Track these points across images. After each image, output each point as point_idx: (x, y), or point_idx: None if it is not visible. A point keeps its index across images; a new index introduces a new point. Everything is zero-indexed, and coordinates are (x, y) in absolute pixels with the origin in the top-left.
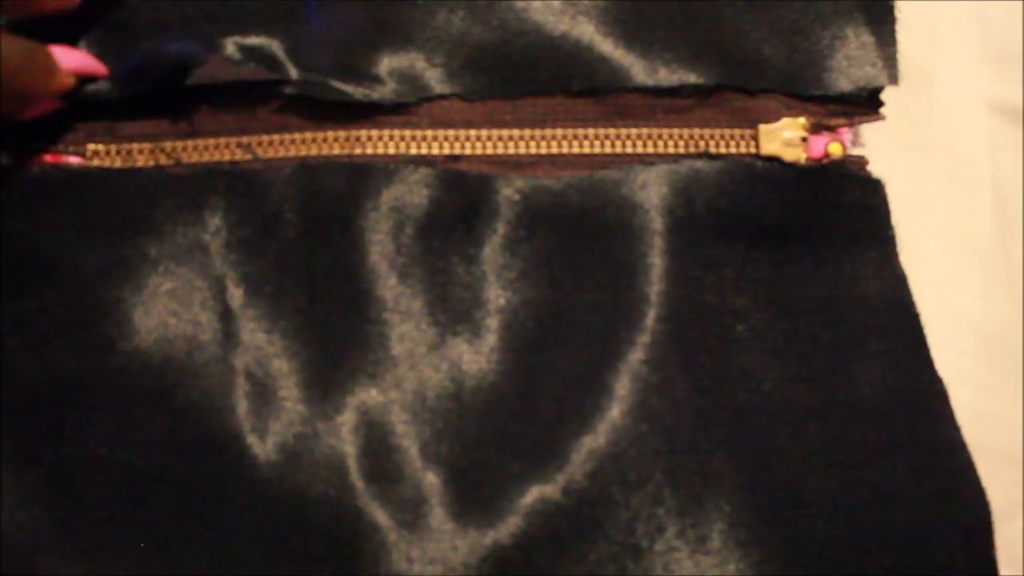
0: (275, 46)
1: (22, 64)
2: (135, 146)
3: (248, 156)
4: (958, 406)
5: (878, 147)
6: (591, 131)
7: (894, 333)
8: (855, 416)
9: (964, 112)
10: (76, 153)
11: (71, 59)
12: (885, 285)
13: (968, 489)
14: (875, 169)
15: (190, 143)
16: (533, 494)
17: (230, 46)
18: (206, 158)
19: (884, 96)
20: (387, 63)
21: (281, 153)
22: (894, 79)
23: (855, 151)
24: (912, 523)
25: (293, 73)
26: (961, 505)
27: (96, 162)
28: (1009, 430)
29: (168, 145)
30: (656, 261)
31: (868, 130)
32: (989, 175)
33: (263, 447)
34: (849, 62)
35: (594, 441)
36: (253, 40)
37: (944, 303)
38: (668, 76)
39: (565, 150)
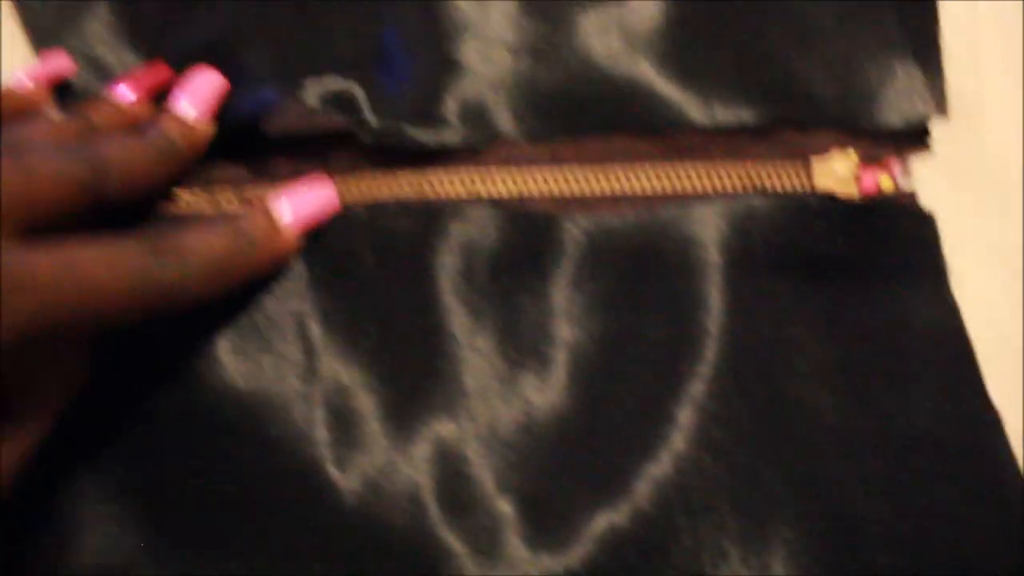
0: (355, 91)
1: (229, 268)
2: (220, 191)
3: None
4: (1012, 435)
5: (927, 179)
6: (650, 169)
7: (948, 363)
8: (911, 445)
9: (1011, 143)
10: (168, 198)
11: (302, 215)
12: (938, 316)
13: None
14: (925, 201)
15: (271, 188)
16: (602, 522)
17: (311, 93)
18: None
19: (932, 128)
20: (457, 107)
21: (356, 195)
22: (943, 111)
23: (905, 183)
24: (969, 551)
25: (372, 121)
26: (1017, 533)
27: (186, 207)
28: None
29: (250, 190)
30: (715, 295)
31: (917, 162)
32: None
33: (344, 477)
34: (898, 96)
35: (659, 470)
36: (334, 86)
37: (995, 333)
38: (724, 114)
39: (626, 187)
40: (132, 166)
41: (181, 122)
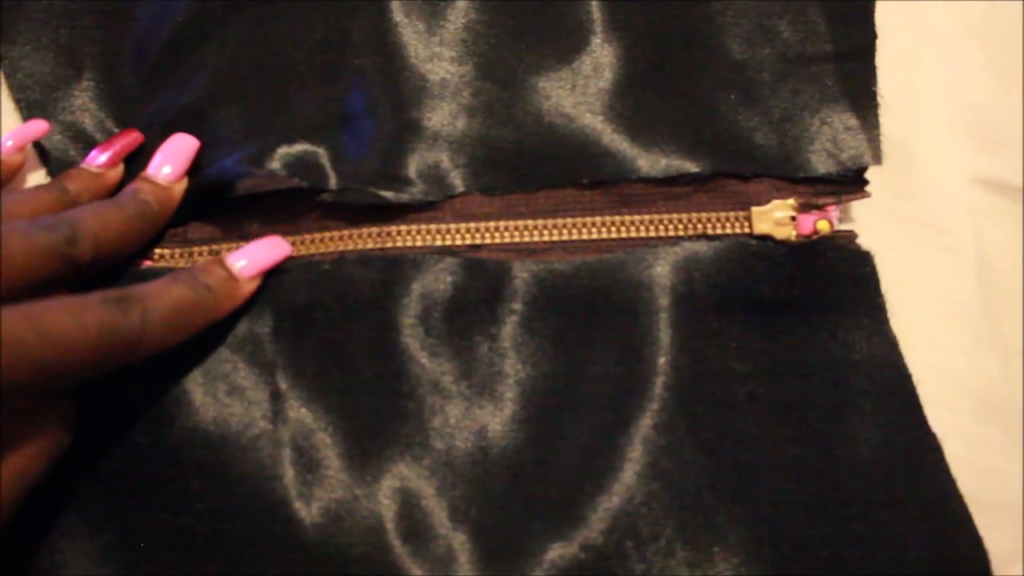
0: (320, 155)
1: (189, 315)
2: (196, 249)
3: (293, 254)
4: (953, 460)
5: (866, 221)
6: (599, 219)
7: (888, 393)
8: (853, 472)
9: (946, 185)
10: (143, 256)
11: (256, 262)
12: (877, 349)
13: (965, 539)
14: (864, 241)
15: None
16: (554, 551)
17: (276, 159)
18: None
19: (869, 173)
20: (416, 166)
21: (321, 249)
22: (878, 159)
23: (844, 226)
24: (913, 573)
25: (332, 182)
26: (959, 554)
27: (162, 263)
28: (1003, 481)
29: (224, 248)
30: (661, 334)
31: (856, 205)
32: (971, 242)
33: (308, 512)
34: (835, 145)
35: (609, 500)
36: (299, 149)
37: (934, 363)
38: (669, 166)
39: (576, 237)
40: (104, 231)
41: (154, 183)
